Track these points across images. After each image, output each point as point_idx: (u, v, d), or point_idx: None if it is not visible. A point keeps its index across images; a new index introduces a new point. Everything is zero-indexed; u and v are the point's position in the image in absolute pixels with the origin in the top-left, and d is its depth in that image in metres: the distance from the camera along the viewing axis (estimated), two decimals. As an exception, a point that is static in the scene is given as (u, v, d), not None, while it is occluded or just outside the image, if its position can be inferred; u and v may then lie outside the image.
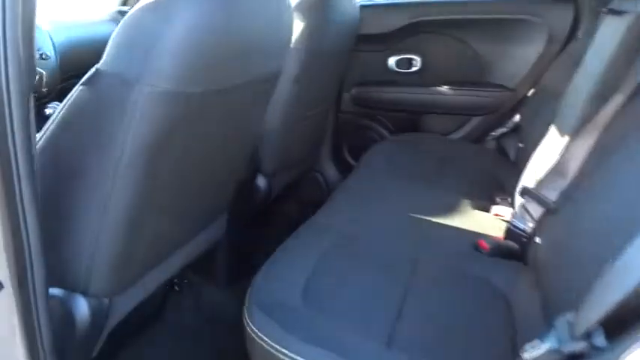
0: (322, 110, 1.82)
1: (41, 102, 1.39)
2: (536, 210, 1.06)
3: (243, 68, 0.84)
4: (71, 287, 0.83)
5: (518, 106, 1.86)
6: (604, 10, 1.24)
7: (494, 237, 1.13)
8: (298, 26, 1.37)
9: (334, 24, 1.51)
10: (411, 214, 1.26)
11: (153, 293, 1.04)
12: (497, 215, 1.26)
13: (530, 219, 1.06)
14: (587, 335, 0.55)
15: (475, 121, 1.96)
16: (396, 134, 2.04)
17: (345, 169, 2.10)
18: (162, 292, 1.40)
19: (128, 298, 0.94)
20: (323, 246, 1.04)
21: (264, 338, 0.80)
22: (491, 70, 1.91)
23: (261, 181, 1.54)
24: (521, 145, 1.68)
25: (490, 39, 1.89)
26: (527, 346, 0.63)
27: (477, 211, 1.30)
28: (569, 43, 1.73)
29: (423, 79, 1.98)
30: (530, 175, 1.18)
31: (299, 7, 1.37)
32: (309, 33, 1.38)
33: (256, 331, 0.81)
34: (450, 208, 1.30)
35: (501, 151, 1.92)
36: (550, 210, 1.02)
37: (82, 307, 0.83)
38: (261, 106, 1.05)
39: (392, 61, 1.99)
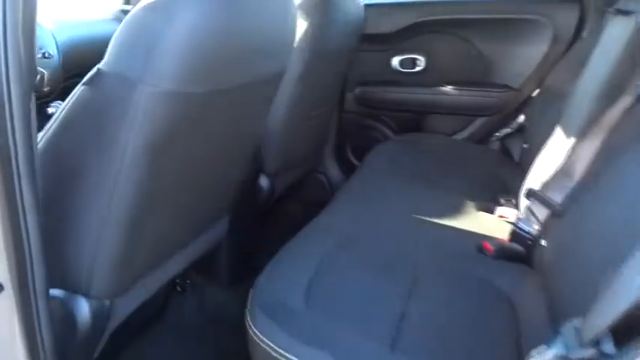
0: (326, 110, 1.81)
1: (44, 101, 1.39)
2: (542, 212, 1.04)
3: (245, 68, 0.83)
4: (72, 288, 0.83)
5: (522, 106, 1.85)
6: (610, 10, 1.23)
7: (498, 239, 1.12)
8: (302, 26, 1.36)
9: (338, 23, 1.50)
10: (415, 215, 1.25)
11: (155, 294, 1.03)
12: (501, 217, 1.25)
13: (535, 221, 1.05)
14: (596, 342, 0.54)
15: (479, 122, 1.95)
16: (399, 134, 2.02)
17: (348, 169, 2.09)
18: (165, 293, 1.39)
19: (130, 300, 0.93)
20: (326, 247, 1.03)
21: (266, 341, 0.79)
22: (496, 70, 1.90)
23: (263, 182, 1.54)
24: (525, 145, 1.66)
25: (495, 39, 1.88)
26: (534, 352, 0.62)
27: (481, 213, 1.29)
28: (574, 43, 1.72)
29: (426, 79, 1.97)
30: (536, 177, 1.17)
31: (303, 7, 1.36)
32: (312, 32, 1.37)
33: (258, 333, 0.80)
34: (454, 210, 1.29)
35: (505, 152, 1.91)
36: (556, 212, 1.01)
37: (83, 309, 0.83)
38: (264, 107, 1.04)
39: (396, 60, 1.98)
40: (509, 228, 1.16)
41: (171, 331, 1.38)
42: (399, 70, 1.99)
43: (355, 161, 2.10)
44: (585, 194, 0.95)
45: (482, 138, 1.96)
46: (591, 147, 1.00)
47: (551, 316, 0.88)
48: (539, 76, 1.79)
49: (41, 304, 0.70)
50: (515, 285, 0.98)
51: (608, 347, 0.53)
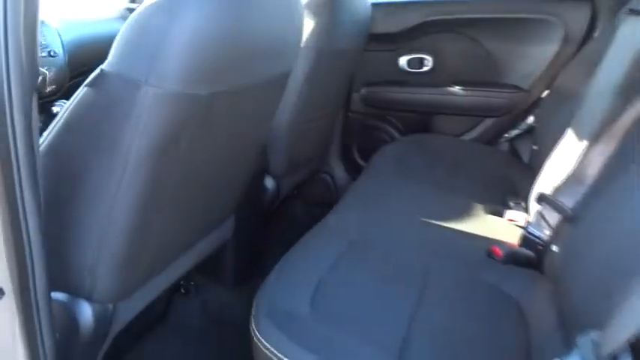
0: (332, 110, 1.79)
1: (49, 100, 1.38)
2: (553, 217, 1.02)
3: (252, 69, 0.82)
4: (75, 292, 0.82)
5: (532, 107, 1.83)
6: (624, 10, 1.20)
7: (507, 243, 1.10)
8: (309, 25, 1.34)
9: (345, 23, 1.48)
10: (422, 219, 1.23)
11: (158, 296, 1.02)
12: (511, 220, 1.22)
13: (546, 226, 1.03)
14: (614, 357, 0.52)
15: (488, 123, 1.92)
16: (406, 135, 2.00)
17: (354, 170, 2.07)
18: (168, 295, 1.38)
19: (133, 304, 0.92)
20: (332, 252, 1.02)
21: (271, 348, 0.77)
22: (505, 70, 1.87)
23: (269, 182, 1.52)
24: (535, 147, 1.64)
25: (504, 38, 1.86)
26: (548, 365, 0.60)
27: (489, 216, 1.27)
28: (585, 43, 1.69)
29: (434, 79, 1.94)
30: (547, 181, 1.15)
31: (310, 6, 1.35)
32: (319, 32, 1.35)
33: (263, 340, 0.79)
34: (462, 213, 1.27)
35: (514, 153, 1.88)
36: (567, 217, 0.98)
37: (86, 313, 0.82)
38: (270, 107, 1.03)
39: (403, 60, 1.96)
40: (518, 232, 1.14)
41: (174, 333, 1.37)
42: (407, 70, 1.96)
43: (361, 162, 2.09)
44: (598, 199, 0.92)
45: (490, 139, 1.93)
46: (604, 151, 0.98)
47: (561, 323, 0.86)
48: (549, 76, 1.76)
49: (42, 308, 0.69)
50: (524, 291, 0.96)
51: (627, 362, 0.51)
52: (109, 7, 1.87)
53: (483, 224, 1.22)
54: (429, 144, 1.84)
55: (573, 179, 1.03)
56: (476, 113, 1.92)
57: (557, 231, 1.02)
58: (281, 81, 0.98)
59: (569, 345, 0.70)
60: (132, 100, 0.67)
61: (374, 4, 1.78)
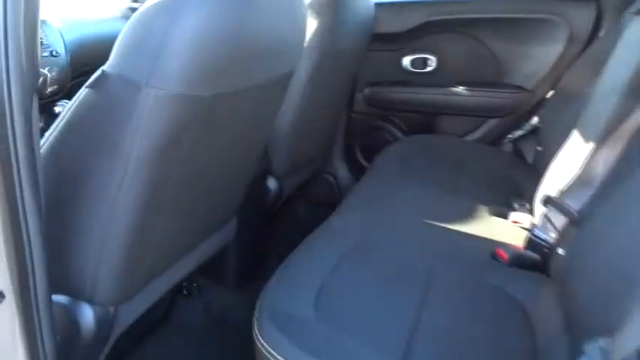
0: (335, 111, 1.78)
1: (51, 100, 1.38)
2: (559, 220, 1.01)
3: (255, 70, 0.81)
4: (76, 295, 0.81)
5: (536, 108, 1.81)
6: (631, 10, 1.19)
7: (513, 246, 1.09)
8: (312, 25, 1.33)
9: (348, 23, 1.47)
10: (426, 220, 1.22)
11: (160, 298, 1.01)
12: (515, 222, 1.21)
13: (552, 229, 1.02)
14: (623, 365, 0.51)
15: (491, 123, 1.91)
16: (409, 135, 1.99)
17: (357, 171, 2.07)
18: (170, 296, 1.37)
19: (135, 306, 0.91)
20: (335, 254, 1.01)
21: (274, 353, 0.77)
22: (509, 70, 1.86)
23: (271, 183, 1.51)
24: (539, 148, 1.63)
25: (508, 38, 1.84)
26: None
27: (494, 218, 1.26)
28: (590, 43, 1.68)
29: (438, 79, 1.93)
30: (552, 183, 1.13)
31: (313, 6, 1.34)
32: (322, 32, 1.34)
33: (266, 344, 0.78)
34: (466, 214, 1.26)
35: (518, 154, 1.87)
36: (574, 220, 0.97)
37: (87, 316, 0.81)
38: (273, 108, 1.02)
39: (406, 60, 1.95)
40: (523, 234, 1.13)
41: (176, 335, 1.36)
42: (410, 70, 1.95)
43: (364, 162, 2.08)
44: (605, 202, 0.91)
45: (494, 140, 1.92)
46: (611, 153, 0.97)
47: (568, 327, 0.85)
48: (554, 77, 1.75)
49: (43, 311, 0.69)
50: (530, 293, 0.95)
51: (638, 371, 0.49)
52: (112, 7, 1.86)
53: (487, 226, 1.21)
54: (432, 144, 1.83)
55: (579, 181, 1.02)
56: (479, 114, 1.91)
57: (563, 234, 1.01)
58: (284, 81, 0.97)
59: (575, 349, 0.69)
60: (133, 101, 0.67)
61: (377, 4, 1.77)
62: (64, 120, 0.73)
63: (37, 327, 0.68)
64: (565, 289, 0.91)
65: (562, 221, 1.01)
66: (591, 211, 0.94)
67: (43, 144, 0.75)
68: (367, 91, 2.01)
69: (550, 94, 1.75)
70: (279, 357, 0.76)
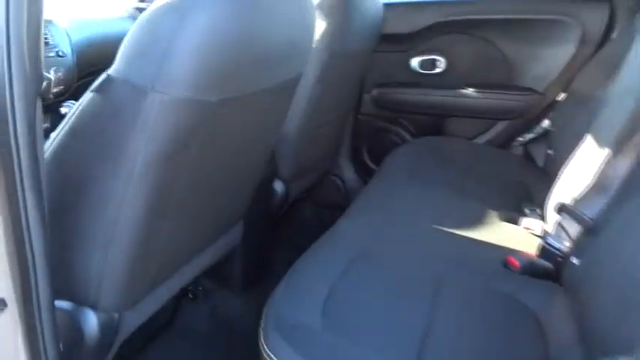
0: (342, 113, 1.76)
1: (57, 100, 1.37)
2: (574, 228, 0.98)
3: (263, 74, 0.79)
4: (80, 301, 0.80)
5: (547, 110, 1.78)
6: (646, 11, 1.16)
7: (524, 253, 1.06)
8: (320, 26, 1.31)
9: (357, 24, 1.45)
10: (435, 226, 1.20)
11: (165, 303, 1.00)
12: (527, 229, 1.19)
13: (566, 237, 0.99)
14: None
15: (501, 126, 1.89)
16: (418, 137, 1.97)
17: (364, 173, 2.05)
18: (176, 300, 1.36)
19: (139, 312, 0.90)
20: (343, 260, 0.99)
21: (280, 364, 0.75)
22: (519, 72, 1.83)
23: (278, 186, 1.50)
24: (550, 152, 1.60)
25: (518, 40, 1.82)
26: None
27: (504, 224, 1.23)
28: (603, 45, 1.65)
29: (447, 80, 1.91)
30: (565, 189, 1.11)
31: (322, 7, 1.32)
32: (332, 33, 1.32)
33: (272, 355, 0.76)
34: (477, 220, 1.24)
35: (528, 157, 1.84)
36: (588, 229, 0.95)
37: (91, 322, 0.80)
38: (281, 112, 1.00)
39: (415, 61, 1.93)
40: (535, 241, 1.10)
41: (182, 339, 1.35)
42: (419, 72, 1.93)
43: (371, 164, 2.06)
44: (621, 210, 0.89)
45: (503, 142, 1.90)
46: (628, 159, 0.94)
47: (582, 337, 0.83)
48: (565, 79, 1.72)
49: (46, 319, 0.67)
50: (543, 303, 0.93)
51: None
52: (118, 7, 1.86)
53: (498, 232, 1.19)
54: (441, 147, 1.81)
55: (594, 188, 0.99)
56: (489, 116, 1.89)
57: (577, 242, 0.98)
58: (292, 85, 0.95)
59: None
60: (138, 106, 0.65)
61: (386, 5, 1.75)
62: (68, 125, 0.72)
63: (40, 335, 0.67)
64: (579, 299, 0.89)
65: (576, 229, 0.98)
66: (607, 219, 0.92)
67: (47, 150, 0.74)
68: (375, 92, 1.99)
69: (561, 96, 1.72)
70: None
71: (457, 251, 1.10)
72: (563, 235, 1.00)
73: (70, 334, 0.79)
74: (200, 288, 1.41)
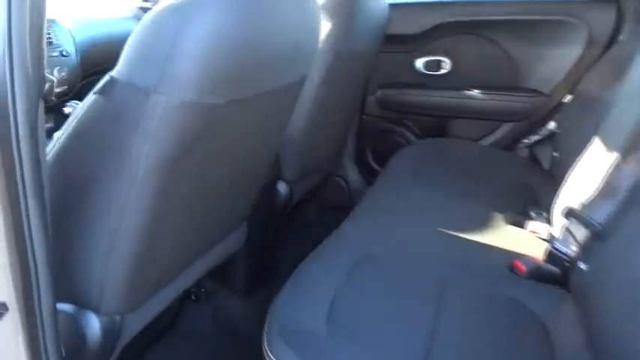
0: (347, 115, 1.75)
1: (61, 100, 1.37)
2: (581, 232, 0.97)
3: (268, 76, 0.78)
4: (82, 304, 0.79)
5: (553, 112, 1.77)
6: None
7: (531, 257, 1.05)
8: (325, 27, 1.30)
9: (362, 24, 1.44)
10: (440, 229, 1.19)
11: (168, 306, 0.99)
12: (533, 232, 1.18)
13: (573, 242, 0.98)
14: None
15: (506, 127, 1.87)
16: (422, 139, 1.96)
17: (368, 174, 2.04)
18: (178, 302, 1.35)
19: (142, 315, 0.89)
20: (348, 264, 0.98)
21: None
22: (525, 73, 1.82)
23: (282, 187, 1.49)
24: (556, 154, 1.59)
25: (524, 41, 1.80)
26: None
27: (510, 227, 1.22)
28: (610, 47, 1.63)
29: (452, 81, 1.89)
30: (572, 193, 1.10)
31: (326, 7, 1.31)
32: (336, 34, 1.31)
33: (275, 361, 0.75)
34: (482, 223, 1.23)
35: (534, 160, 1.83)
36: (597, 234, 0.93)
37: (93, 326, 0.79)
38: (286, 113, 0.99)
39: (420, 62, 1.92)
40: (541, 245, 1.09)
41: (184, 340, 1.35)
42: (424, 73, 1.92)
43: (375, 166, 2.05)
44: (629, 215, 0.87)
45: (509, 144, 1.88)
46: (637, 163, 0.93)
47: (590, 345, 0.82)
48: (572, 81, 1.70)
49: (48, 324, 0.67)
50: (550, 308, 0.92)
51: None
52: (122, 7, 1.85)
53: (504, 235, 1.18)
54: (445, 148, 1.79)
55: (602, 193, 0.97)
56: (494, 117, 1.87)
57: (584, 247, 0.97)
58: (296, 87, 0.94)
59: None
60: (141, 109, 0.64)
61: (391, 5, 1.73)
62: (70, 127, 0.71)
63: (42, 340, 0.66)
64: (587, 305, 0.88)
65: (584, 234, 0.97)
66: (615, 225, 0.90)
67: (49, 152, 0.73)
68: (379, 93, 1.98)
69: (568, 98, 1.70)
70: None
71: (462, 254, 1.09)
72: (571, 239, 0.99)
73: (72, 338, 0.78)
74: (203, 289, 1.40)
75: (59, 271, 0.68)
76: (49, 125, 1.33)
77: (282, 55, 0.79)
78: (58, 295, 0.69)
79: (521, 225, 1.22)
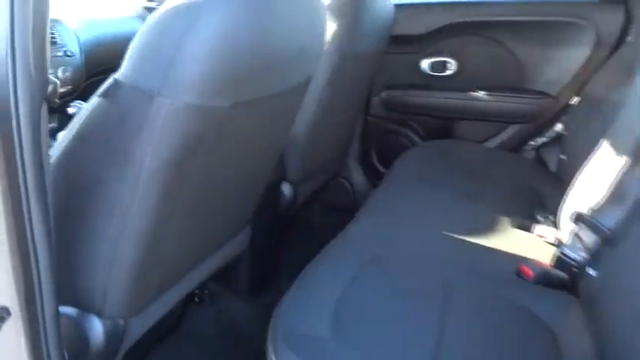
0: (351, 116, 1.74)
1: (65, 100, 1.37)
2: (590, 238, 0.95)
3: (274, 79, 0.77)
4: (85, 307, 0.79)
5: (560, 114, 1.75)
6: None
7: (538, 262, 1.04)
8: (331, 28, 1.29)
9: (368, 25, 1.43)
10: (445, 232, 1.18)
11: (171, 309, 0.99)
12: (540, 236, 1.16)
13: (582, 247, 0.97)
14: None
15: (513, 129, 1.86)
16: (427, 140, 1.95)
17: (372, 175, 2.03)
18: (182, 304, 1.35)
19: (145, 319, 0.89)
20: (353, 267, 0.97)
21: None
22: (532, 75, 1.81)
23: (286, 189, 1.48)
24: (563, 157, 1.57)
25: (531, 42, 1.79)
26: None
27: (516, 230, 1.21)
28: (618, 49, 1.62)
29: (457, 83, 1.88)
30: (580, 197, 1.08)
31: (332, 8, 1.30)
32: (342, 35, 1.30)
33: (280, 367, 0.75)
34: (488, 226, 1.21)
35: (540, 162, 1.81)
36: (606, 239, 0.92)
37: (96, 330, 0.79)
38: (290, 116, 0.99)
39: (425, 63, 1.90)
40: (548, 250, 1.08)
41: (187, 342, 1.34)
42: (429, 74, 1.90)
43: (380, 167, 2.04)
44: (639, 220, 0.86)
45: (515, 146, 1.87)
46: (647, 167, 0.91)
47: (598, 353, 0.81)
48: (579, 82, 1.69)
49: (50, 327, 0.66)
50: (557, 315, 0.90)
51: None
52: (127, 7, 1.85)
53: (511, 239, 1.16)
54: (451, 150, 1.78)
55: (611, 197, 0.96)
56: (500, 119, 1.86)
57: (593, 253, 0.95)
58: (302, 89, 0.93)
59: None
60: (145, 112, 0.64)
61: (397, 6, 1.72)
62: (74, 130, 0.70)
63: (44, 344, 0.66)
64: (596, 312, 0.86)
65: (593, 239, 0.95)
66: (625, 230, 0.89)
67: (54, 153, 0.73)
68: (384, 94, 1.97)
69: (575, 100, 1.69)
70: None
71: (468, 257, 1.08)
72: (579, 245, 0.97)
73: (75, 342, 0.78)
74: (206, 292, 1.40)
75: (62, 274, 0.68)
76: (53, 125, 1.33)
77: (288, 57, 0.78)
78: (61, 299, 0.68)
79: (527, 228, 1.21)
